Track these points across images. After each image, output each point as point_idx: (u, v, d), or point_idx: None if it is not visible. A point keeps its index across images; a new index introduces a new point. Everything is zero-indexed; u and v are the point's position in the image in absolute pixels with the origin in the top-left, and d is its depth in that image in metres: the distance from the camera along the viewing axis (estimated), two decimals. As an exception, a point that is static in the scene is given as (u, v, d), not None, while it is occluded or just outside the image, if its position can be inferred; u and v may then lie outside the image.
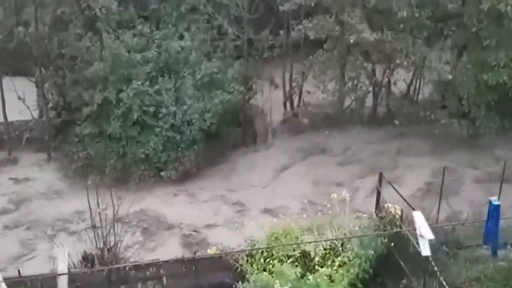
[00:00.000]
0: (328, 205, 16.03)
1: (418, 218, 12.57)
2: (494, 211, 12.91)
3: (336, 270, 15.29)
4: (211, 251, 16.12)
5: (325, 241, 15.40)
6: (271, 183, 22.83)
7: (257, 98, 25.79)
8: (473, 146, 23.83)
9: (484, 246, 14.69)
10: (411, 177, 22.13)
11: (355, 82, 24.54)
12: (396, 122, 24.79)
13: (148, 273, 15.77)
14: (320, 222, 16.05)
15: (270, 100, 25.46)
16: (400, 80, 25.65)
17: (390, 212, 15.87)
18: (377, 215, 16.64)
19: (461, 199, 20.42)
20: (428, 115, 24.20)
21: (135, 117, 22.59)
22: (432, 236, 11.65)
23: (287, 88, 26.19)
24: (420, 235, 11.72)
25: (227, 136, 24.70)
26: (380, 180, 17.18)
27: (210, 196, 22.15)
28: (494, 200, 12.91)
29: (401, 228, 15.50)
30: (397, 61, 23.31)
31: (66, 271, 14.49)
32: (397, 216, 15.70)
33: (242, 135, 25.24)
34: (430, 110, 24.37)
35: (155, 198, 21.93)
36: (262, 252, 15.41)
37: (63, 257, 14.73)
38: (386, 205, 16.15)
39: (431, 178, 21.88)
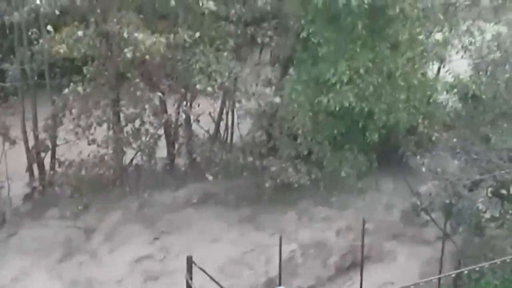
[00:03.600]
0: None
1: None
2: None
3: None
4: None
5: None
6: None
7: (-19, 164, 24.88)
8: (319, 199, 24.65)
9: None
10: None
11: (137, 123, 24.47)
12: (209, 177, 24.90)
13: None
14: None
15: (5, 165, 25.10)
16: (205, 114, 26.25)
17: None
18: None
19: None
20: (251, 162, 24.66)
21: None
22: None
23: (32, 142, 25.54)
24: None
25: None
26: (189, 267, 16.60)
27: None
28: None
29: None
30: (197, 86, 23.52)
31: None
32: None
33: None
34: (253, 155, 24.87)
35: None
36: None
37: None
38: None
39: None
